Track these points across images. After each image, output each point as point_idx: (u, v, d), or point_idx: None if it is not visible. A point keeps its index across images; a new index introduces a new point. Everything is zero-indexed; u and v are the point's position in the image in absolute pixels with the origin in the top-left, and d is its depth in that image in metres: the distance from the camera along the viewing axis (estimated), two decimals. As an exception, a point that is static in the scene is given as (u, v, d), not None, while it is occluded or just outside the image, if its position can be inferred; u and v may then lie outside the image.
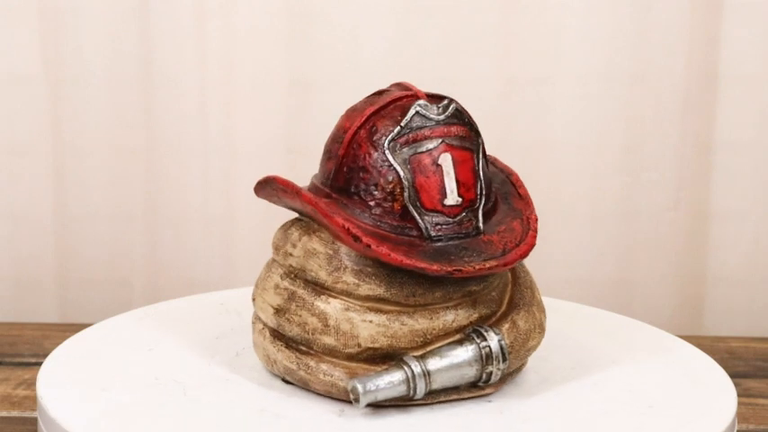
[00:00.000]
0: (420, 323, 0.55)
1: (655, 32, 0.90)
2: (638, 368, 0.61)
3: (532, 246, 0.56)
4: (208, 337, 0.64)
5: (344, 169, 0.56)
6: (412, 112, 0.56)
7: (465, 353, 0.55)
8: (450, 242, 0.55)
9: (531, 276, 0.60)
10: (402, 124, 0.55)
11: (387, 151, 0.55)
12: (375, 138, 0.56)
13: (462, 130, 0.56)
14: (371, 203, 0.55)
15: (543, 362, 0.61)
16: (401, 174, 0.55)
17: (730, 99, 0.91)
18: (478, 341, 0.55)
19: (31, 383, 0.75)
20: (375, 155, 0.55)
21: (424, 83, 0.60)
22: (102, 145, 0.93)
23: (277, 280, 0.57)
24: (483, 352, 0.55)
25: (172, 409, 0.55)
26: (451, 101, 0.57)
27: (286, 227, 0.59)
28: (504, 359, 0.55)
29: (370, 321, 0.55)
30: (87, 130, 0.93)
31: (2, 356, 0.82)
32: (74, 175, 0.94)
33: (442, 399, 0.55)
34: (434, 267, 0.53)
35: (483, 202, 0.57)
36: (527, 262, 0.60)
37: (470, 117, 0.57)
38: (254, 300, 0.59)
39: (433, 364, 0.54)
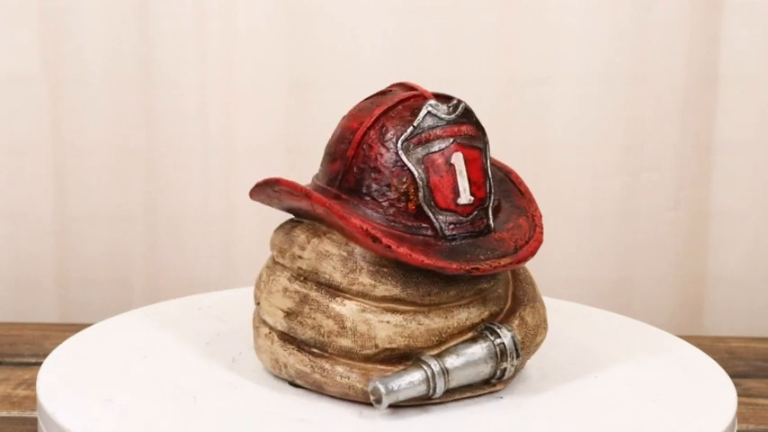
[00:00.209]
0: (436, 322, 0.55)
1: (655, 32, 0.90)
2: (638, 368, 0.61)
3: (541, 242, 0.57)
4: (207, 338, 0.64)
5: (354, 170, 0.56)
6: (424, 111, 0.56)
7: (480, 350, 0.55)
8: (463, 241, 0.55)
9: (530, 272, 0.60)
10: (415, 124, 0.55)
11: (400, 151, 0.55)
12: (386, 138, 0.55)
13: (471, 129, 0.57)
14: (385, 204, 0.55)
15: (544, 361, 0.61)
16: (416, 174, 0.55)
17: (730, 99, 0.91)
18: (492, 338, 0.55)
19: (31, 383, 0.75)
20: (387, 155, 0.55)
21: (424, 83, 0.60)
22: (102, 145, 0.93)
23: (285, 283, 0.57)
24: (498, 349, 0.55)
25: (179, 412, 0.55)
26: (460, 100, 0.57)
27: (286, 229, 0.58)
28: (518, 355, 0.56)
29: (388, 322, 0.55)
30: (87, 130, 0.93)
31: (2, 356, 0.82)
32: (74, 175, 0.94)
33: (457, 397, 0.56)
34: (454, 266, 0.54)
35: (492, 200, 0.57)
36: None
37: (476, 116, 0.58)
38: (258, 304, 0.58)
39: (451, 362, 0.54)
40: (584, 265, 0.94)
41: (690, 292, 0.94)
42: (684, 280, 0.94)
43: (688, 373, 0.61)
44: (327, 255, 0.55)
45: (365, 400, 0.54)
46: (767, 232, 0.93)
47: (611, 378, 0.60)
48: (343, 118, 0.58)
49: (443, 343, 0.55)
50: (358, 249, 0.55)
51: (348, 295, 0.55)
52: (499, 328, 0.56)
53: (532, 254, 0.56)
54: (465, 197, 0.56)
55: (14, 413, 0.72)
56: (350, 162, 0.56)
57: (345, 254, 0.55)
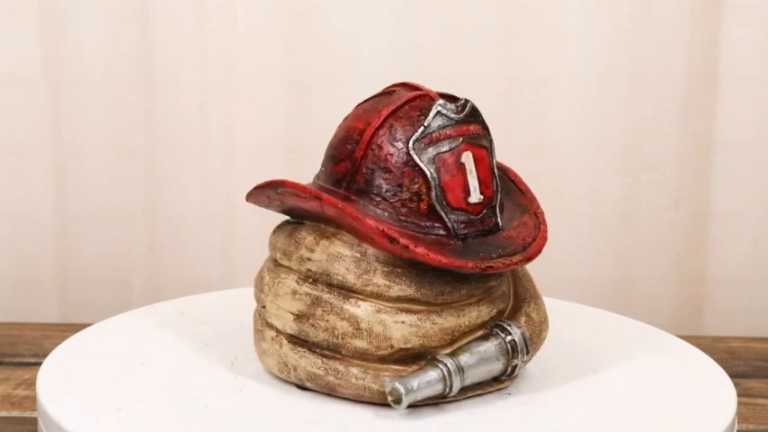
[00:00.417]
0: (449, 321, 0.55)
1: (655, 32, 0.90)
2: (638, 368, 0.61)
3: (546, 239, 0.58)
4: (206, 339, 0.64)
5: (363, 171, 0.56)
6: (434, 111, 0.56)
7: (492, 348, 0.56)
8: (474, 239, 0.56)
9: (527, 269, 0.60)
10: (425, 124, 0.55)
11: (412, 151, 0.55)
12: (396, 138, 0.55)
13: (478, 128, 0.57)
14: (396, 204, 0.55)
15: (544, 360, 0.61)
16: (428, 173, 0.55)
17: (730, 99, 0.91)
18: (503, 335, 0.56)
19: (31, 383, 0.75)
20: (398, 155, 0.55)
21: (425, 83, 0.60)
22: (102, 145, 0.93)
23: (293, 286, 0.56)
24: (509, 346, 0.56)
25: (191, 419, 0.54)
26: (467, 100, 0.57)
27: (287, 231, 0.58)
28: (528, 351, 0.56)
29: (403, 322, 0.55)
30: (87, 130, 0.93)
31: (2, 356, 0.82)
32: (74, 175, 0.94)
33: (468, 394, 0.56)
34: (470, 265, 0.54)
35: (498, 198, 0.57)
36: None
37: (482, 115, 0.58)
38: (263, 307, 0.58)
39: (465, 360, 0.55)
40: (584, 265, 0.94)
41: (690, 292, 0.94)
42: (684, 280, 0.94)
43: (688, 374, 0.61)
44: (339, 256, 0.55)
45: (380, 400, 0.55)
46: (767, 232, 0.93)
47: (610, 378, 0.60)
48: (346, 119, 0.58)
49: (455, 341, 0.56)
50: (371, 250, 0.55)
51: (362, 296, 0.55)
52: (509, 325, 0.56)
53: (540, 251, 0.57)
54: (475, 196, 0.56)
55: (14, 413, 0.72)
56: (358, 163, 0.56)
57: (358, 255, 0.55)
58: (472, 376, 0.55)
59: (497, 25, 0.90)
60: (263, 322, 0.58)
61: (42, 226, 0.95)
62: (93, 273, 0.95)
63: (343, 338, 0.55)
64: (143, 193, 0.94)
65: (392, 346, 0.55)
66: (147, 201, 0.94)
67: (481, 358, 0.55)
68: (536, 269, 0.64)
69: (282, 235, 0.58)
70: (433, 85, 0.59)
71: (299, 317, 0.56)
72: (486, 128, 0.58)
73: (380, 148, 0.56)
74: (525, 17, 0.90)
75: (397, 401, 0.53)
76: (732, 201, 0.93)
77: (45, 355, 0.62)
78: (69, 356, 0.62)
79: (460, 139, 0.56)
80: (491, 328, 0.56)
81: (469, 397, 0.56)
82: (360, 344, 0.55)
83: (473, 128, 0.57)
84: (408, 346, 0.55)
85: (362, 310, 0.55)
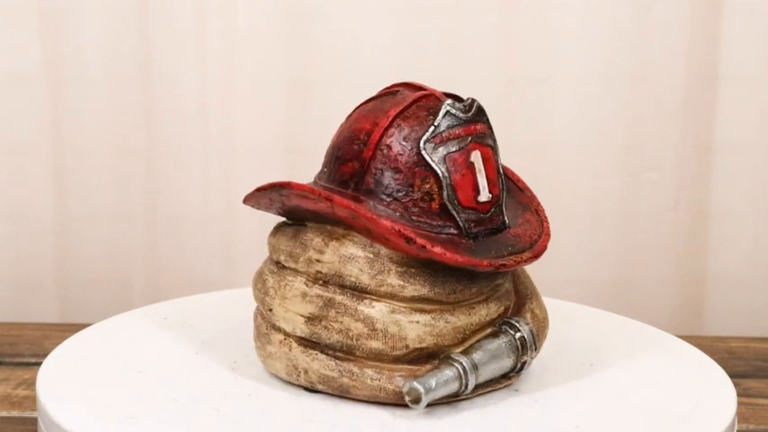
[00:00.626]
0: (461, 320, 0.56)
1: (655, 32, 0.90)
2: (638, 368, 0.61)
3: (550, 236, 0.58)
4: (206, 340, 0.64)
5: (373, 171, 0.56)
6: (443, 111, 0.56)
7: (503, 345, 0.56)
8: (484, 238, 0.56)
9: (524, 267, 0.61)
10: (435, 124, 0.55)
11: (423, 151, 0.55)
12: (407, 138, 0.56)
13: (484, 127, 0.57)
14: (408, 204, 0.55)
15: (544, 360, 0.61)
16: (440, 173, 0.55)
17: (730, 99, 0.91)
18: (512, 332, 0.56)
19: (31, 383, 0.75)
20: (409, 155, 0.55)
21: (425, 83, 0.60)
22: (102, 145, 0.93)
23: (302, 288, 0.56)
24: (518, 342, 0.56)
25: (204, 423, 0.54)
26: (474, 99, 0.57)
27: (289, 233, 0.58)
28: (536, 347, 0.57)
29: (417, 322, 0.55)
30: (87, 130, 0.93)
31: (2, 356, 0.82)
32: (74, 175, 0.94)
33: (479, 392, 0.56)
34: (484, 263, 0.54)
35: (504, 197, 0.58)
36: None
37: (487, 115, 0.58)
38: (270, 311, 0.58)
39: (479, 358, 0.55)
40: (584, 265, 0.94)
41: (690, 292, 0.94)
42: (684, 280, 0.94)
43: (688, 374, 0.61)
44: (352, 257, 0.55)
45: (396, 401, 0.55)
46: (767, 232, 0.93)
47: (610, 378, 0.60)
48: (349, 119, 0.58)
49: (466, 340, 0.56)
50: (384, 251, 0.55)
51: (375, 297, 0.55)
52: (517, 322, 0.57)
53: (546, 247, 0.57)
54: (484, 195, 0.56)
55: (14, 413, 0.72)
56: (367, 163, 0.56)
57: (372, 256, 0.55)
58: (485, 374, 0.55)
59: (497, 25, 0.90)
60: (268, 325, 0.58)
61: (42, 226, 0.95)
62: (93, 273, 0.95)
63: (357, 340, 0.55)
64: (143, 193, 0.94)
65: (407, 346, 0.55)
66: (147, 201, 0.94)
67: (493, 356, 0.55)
68: (536, 269, 0.64)
69: (285, 237, 0.58)
70: (434, 86, 0.59)
71: (310, 319, 0.56)
72: (490, 127, 0.58)
73: (390, 148, 0.56)
74: (525, 17, 0.90)
75: (416, 401, 0.53)
76: (732, 201, 0.93)
77: (45, 355, 0.62)
78: (69, 356, 0.62)
79: (469, 139, 0.56)
80: (500, 325, 0.57)
81: (480, 394, 0.56)
82: (375, 345, 0.55)
83: (480, 127, 0.57)
84: (423, 345, 0.55)
85: (377, 310, 0.55)
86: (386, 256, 0.55)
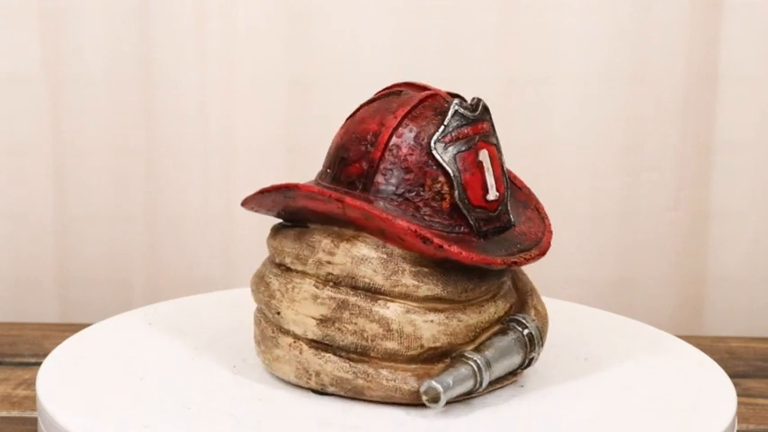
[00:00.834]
0: (472, 318, 0.56)
1: (655, 32, 0.90)
2: (638, 368, 0.61)
3: (552, 233, 0.59)
4: (206, 340, 0.64)
5: (382, 172, 0.56)
6: (452, 111, 0.56)
7: (512, 341, 0.56)
8: (494, 236, 0.56)
9: None
10: (445, 123, 0.56)
11: (434, 151, 0.55)
12: (416, 138, 0.56)
13: (489, 126, 0.57)
14: (419, 203, 0.55)
15: (543, 359, 0.61)
16: (450, 172, 0.55)
17: (730, 99, 0.91)
18: (520, 329, 0.57)
19: (31, 383, 0.75)
20: (419, 155, 0.55)
21: (425, 83, 0.60)
22: (102, 145, 0.93)
23: (312, 290, 0.56)
24: (526, 339, 0.57)
25: (216, 429, 0.54)
26: (479, 98, 0.57)
27: (292, 235, 0.58)
28: (542, 344, 0.57)
29: (431, 321, 0.55)
30: (87, 130, 0.93)
31: (2, 356, 0.82)
32: (74, 175, 0.94)
33: (488, 389, 0.56)
34: (498, 261, 0.55)
35: (508, 195, 0.58)
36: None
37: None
38: (278, 313, 0.57)
39: (491, 355, 0.55)
40: (584, 265, 0.94)
41: (690, 292, 0.94)
42: (684, 280, 0.94)
43: (688, 374, 0.61)
44: (365, 259, 0.55)
45: (412, 401, 0.55)
46: (767, 232, 0.93)
47: (610, 378, 0.60)
48: (352, 120, 0.58)
49: (477, 338, 0.56)
50: (397, 251, 0.55)
51: (389, 297, 0.55)
52: (524, 318, 0.57)
53: (550, 244, 0.58)
54: (492, 193, 0.56)
55: (14, 413, 0.72)
56: (376, 164, 0.56)
57: (385, 256, 0.55)
58: (497, 371, 0.56)
59: (497, 25, 0.90)
60: (275, 329, 0.58)
61: (42, 226, 0.95)
62: (93, 273, 0.95)
63: (372, 341, 0.55)
64: (143, 193, 0.94)
65: (422, 346, 0.55)
66: (147, 201, 0.94)
67: (503, 352, 0.56)
68: (536, 269, 0.64)
69: (288, 239, 0.58)
70: (434, 86, 0.59)
71: (322, 321, 0.55)
72: (493, 126, 0.58)
73: (399, 148, 0.56)
74: (525, 17, 0.90)
75: (434, 400, 0.53)
76: (732, 201, 0.93)
77: (45, 355, 0.62)
78: (69, 356, 0.62)
79: (477, 138, 0.56)
80: (507, 322, 0.57)
81: (489, 391, 0.57)
82: (390, 345, 0.55)
83: (485, 126, 0.57)
84: (437, 344, 0.55)
85: (392, 311, 0.55)
86: (399, 256, 0.55)
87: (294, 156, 0.92)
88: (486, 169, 0.56)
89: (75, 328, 0.71)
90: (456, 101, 0.56)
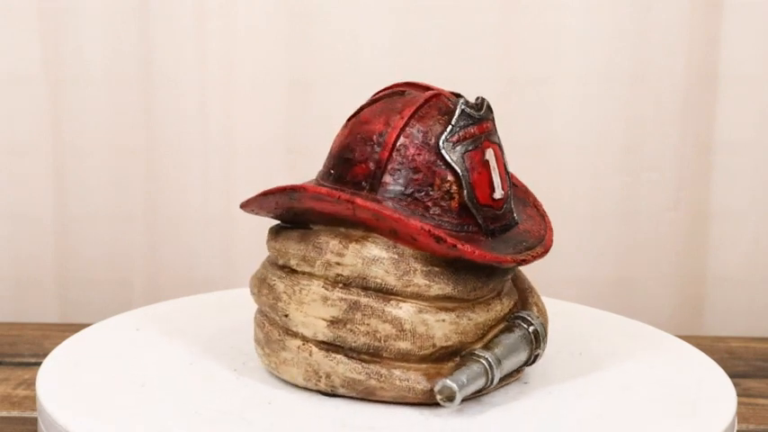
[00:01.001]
0: (481, 316, 0.56)
1: (655, 32, 0.90)
2: (638, 368, 0.61)
3: (553, 230, 0.59)
4: (207, 341, 0.64)
5: (390, 172, 0.56)
6: (459, 110, 0.56)
7: (519, 338, 0.57)
8: (501, 234, 0.57)
9: None
10: (452, 123, 0.56)
11: (442, 150, 0.55)
12: (424, 138, 0.56)
13: (492, 125, 0.58)
14: (429, 203, 0.55)
15: (543, 359, 0.61)
16: (459, 172, 0.55)
17: (730, 99, 0.91)
18: (525, 326, 0.57)
19: (31, 383, 0.75)
20: (428, 155, 0.56)
21: (425, 83, 0.60)
22: (102, 145, 0.93)
23: (321, 292, 0.56)
24: (532, 336, 0.57)
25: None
26: (483, 98, 0.58)
27: (298, 237, 0.57)
28: (546, 340, 0.58)
29: (443, 320, 0.55)
30: (87, 130, 0.93)
31: (2, 356, 0.82)
32: (74, 175, 0.94)
33: (497, 386, 0.57)
34: (508, 259, 0.55)
35: (511, 193, 0.58)
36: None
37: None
38: (285, 316, 0.57)
39: (500, 352, 0.56)
40: (584, 265, 0.94)
41: (690, 292, 0.94)
42: (684, 280, 0.94)
43: (688, 374, 0.61)
44: (376, 259, 0.55)
45: (425, 400, 0.55)
46: (767, 232, 0.93)
47: (610, 378, 0.60)
48: (357, 121, 0.57)
49: (485, 336, 0.56)
50: (408, 251, 0.55)
51: (401, 297, 0.55)
52: (529, 315, 0.58)
53: (552, 242, 0.58)
54: (499, 192, 0.57)
55: (14, 413, 0.72)
56: (384, 164, 0.56)
57: (396, 256, 0.55)
58: (506, 368, 0.56)
59: (497, 25, 0.90)
60: (281, 332, 0.57)
61: (42, 226, 0.95)
62: (93, 273, 0.95)
63: (385, 341, 0.55)
64: (143, 193, 0.94)
65: (434, 345, 0.55)
66: (147, 201, 0.94)
67: (511, 350, 0.56)
68: (536, 269, 0.64)
69: (292, 241, 0.57)
70: (434, 85, 0.59)
71: (333, 323, 0.55)
72: (495, 125, 0.58)
73: (407, 148, 0.56)
74: (525, 17, 0.90)
75: (450, 399, 0.53)
76: (732, 201, 0.93)
77: (45, 355, 0.62)
78: (69, 356, 0.62)
79: (483, 137, 0.56)
80: (512, 319, 0.58)
81: (496, 388, 0.57)
82: (403, 345, 0.55)
83: (489, 125, 0.57)
84: (449, 343, 0.55)
85: (405, 311, 0.55)
86: (410, 256, 0.55)
87: (294, 156, 0.92)
88: (492, 168, 0.56)
89: (75, 328, 0.71)
90: (462, 100, 0.56)
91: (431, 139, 0.56)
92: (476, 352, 0.55)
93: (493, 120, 0.58)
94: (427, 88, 0.58)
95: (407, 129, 0.56)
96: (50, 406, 0.55)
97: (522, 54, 0.91)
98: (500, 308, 0.57)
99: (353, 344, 0.55)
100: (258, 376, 0.59)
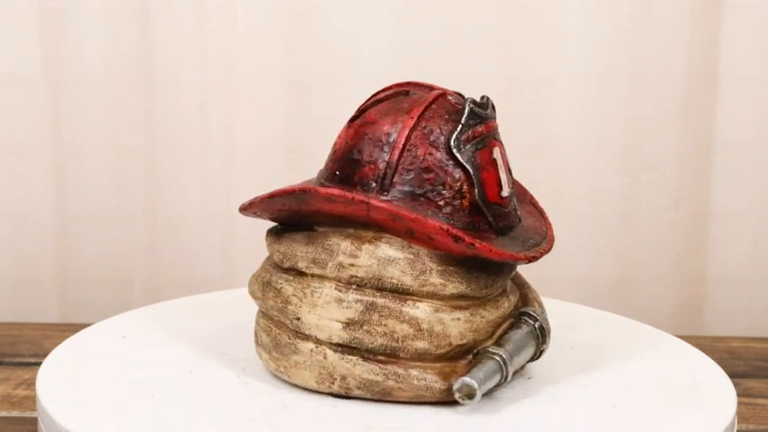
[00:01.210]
0: (492, 313, 0.57)
1: (655, 32, 0.90)
2: (638, 368, 0.61)
3: (552, 226, 0.60)
4: (207, 341, 0.64)
5: (401, 172, 0.56)
6: (468, 110, 0.56)
7: (526, 334, 0.57)
8: (508, 232, 0.57)
9: None
10: (462, 122, 0.56)
11: (453, 150, 0.56)
12: (434, 138, 0.56)
13: (496, 124, 0.58)
14: (441, 203, 0.55)
15: (544, 360, 0.61)
16: (470, 171, 0.56)
17: (730, 99, 0.91)
18: (532, 322, 0.58)
19: (31, 383, 0.75)
20: (439, 155, 0.56)
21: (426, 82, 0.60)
22: (102, 145, 0.93)
23: (335, 294, 0.55)
24: (538, 331, 0.58)
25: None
26: (488, 97, 0.58)
27: (305, 239, 0.57)
28: (550, 335, 0.59)
29: (458, 319, 0.55)
30: (87, 130, 0.93)
31: (2, 356, 0.82)
32: (74, 175, 0.94)
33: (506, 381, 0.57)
34: (521, 256, 0.56)
35: (514, 191, 0.59)
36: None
37: None
38: (297, 319, 0.56)
39: (511, 349, 0.56)
40: (584, 265, 0.94)
41: (690, 292, 0.94)
42: (684, 280, 0.94)
43: (688, 374, 0.61)
44: (391, 260, 0.55)
45: (442, 399, 0.55)
46: (767, 232, 0.93)
47: (610, 378, 0.60)
48: (363, 121, 0.57)
49: (494, 333, 0.57)
50: (423, 250, 0.55)
51: (417, 297, 0.55)
52: (533, 311, 0.58)
53: (554, 238, 0.59)
54: (506, 189, 0.57)
55: (14, 413, 0.72)
56: (395, 165, 0.56)
57: (412, 256, 0.55)
58: (517, 363, 0.57)
59: (497, 25, 0.90)
60: (292, 335, 0.57)
61: (42, 226, 0.95)
62: (93, 273, 0.95)
63: (403, 341, 0.55)
64: (143, 193, 0.94)
65: (450, 344, 0.55)
66: (147, 201, 0.94)
67: (520, 346, 0.57)
68: (536, 269, 0.64)
69: (298, 243, 0.57)
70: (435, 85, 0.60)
71: (348, 324, 0.55)
72: (496, 123, 0.58)
73: (418, 148, 0.56)
74: (525, 17, 0.90)
75: (470, 396, 0.54)
76: (732, 201, 0.93)
77: (45, 355, 0.62)
78: (69, 356, 0.62)
79: (490, 136, 0.57)
80: (518, 316, 0.58)
81: (505, 384, 0.57)
82: (420, 345, 0.55)
83: (494, 124, 0.58)
84: (464, 342, 0.55)
85: (422, 310, 0.55)
86: (425, 255, 0.55)
87: (294, 156, 0.92)
88: (499, 166, 0.57)
89: (75, 328, 0.71)
90: (470, 99, 0.57)
91: (441, 139, 0.56)
92: (489, 349, 0.56)
93: (495, 118, 0.58)
94: (430, 88, 0.58)
95: (417, 128, 0.56)
96: (50, 406, 0.55)
97: (522, 54, 0.91)
98: (507, 305, 0.58)
99: (370, 345, 0.55)
100: (261, 377, 0.59)
